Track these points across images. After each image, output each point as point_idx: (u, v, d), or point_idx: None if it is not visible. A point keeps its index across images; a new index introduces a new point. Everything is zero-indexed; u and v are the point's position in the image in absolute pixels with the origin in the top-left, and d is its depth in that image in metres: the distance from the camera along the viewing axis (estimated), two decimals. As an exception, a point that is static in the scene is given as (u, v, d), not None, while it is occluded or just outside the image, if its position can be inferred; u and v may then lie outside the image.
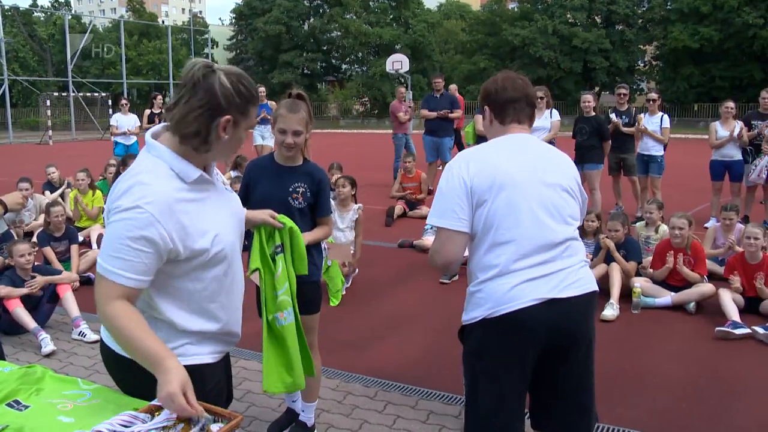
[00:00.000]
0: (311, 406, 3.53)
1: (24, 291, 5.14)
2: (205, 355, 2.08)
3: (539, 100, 9.07)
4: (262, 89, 12.23)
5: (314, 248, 3.34)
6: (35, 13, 46.67)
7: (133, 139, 12.36)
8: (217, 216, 2.02)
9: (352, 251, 6.45)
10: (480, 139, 9.58)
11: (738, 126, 8.76)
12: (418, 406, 3.94)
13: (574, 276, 2.34)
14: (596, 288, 2.43)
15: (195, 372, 1.91)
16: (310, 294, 3.32)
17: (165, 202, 1.86)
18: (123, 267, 1.83)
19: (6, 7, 38.12)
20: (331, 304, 5.80)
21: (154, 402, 1.87)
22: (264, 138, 12.20)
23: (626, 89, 9.68)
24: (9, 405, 1.95)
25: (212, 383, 2.10)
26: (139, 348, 1.82)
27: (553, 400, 2.42)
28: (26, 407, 1.94)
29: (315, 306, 3.40)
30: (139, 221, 1.83)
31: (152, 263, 1.86)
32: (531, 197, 2.32)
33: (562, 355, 2.36)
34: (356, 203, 6.68)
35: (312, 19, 42.89)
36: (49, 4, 47.86)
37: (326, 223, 3.41)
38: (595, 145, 8.95)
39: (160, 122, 10.16)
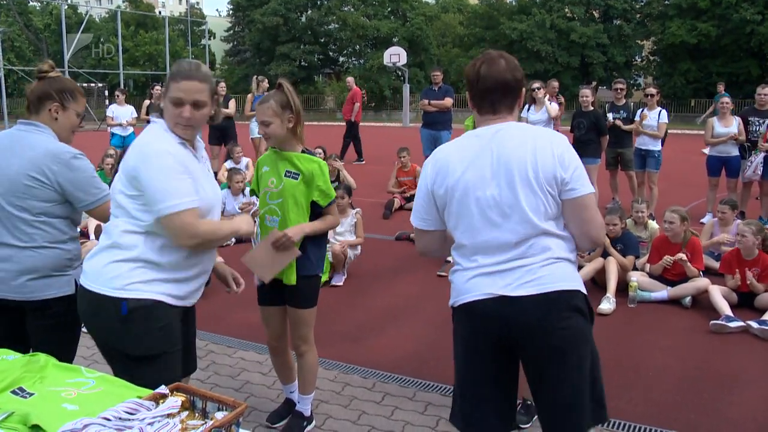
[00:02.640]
0: (307, 398, 3.55)
1: None
2: (155, 293, 2.41)
3: (535, 90, 9.11)
4: (265, 83, 12.22)
5: (310, 242, 3.31)
6: (31, 3, 46.43)
7: (130, 130, 12.30)
8: (202, 180, 2.50)
9: (355, 254, 6.55)
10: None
11: (736, 123, 8.79)
12: (416, 398, 3.96)
13: (530, 275, 2.27)
14: (565, 287, 2.27)
15: (143, 308, 2.37)
16: (305, 288, 3.33)
17: (178, 153, 2.42)
18: (178, 195, 2.34)
19: (2, -3, 37.95)
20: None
21: (159, 390, 1.90)
22: (260, 130, 12.17)
23: (623, 84, 9.70)
24: (14, 392, 1.97)
25: (164, 322, 2.43)
26: (225, 233, 2.54)
27: (534, 396, 2.41)
28: (31, 395, 1.96)
29: (310, 300, 3.38)
30: (176, 157, 2.38)
31: (191, 186, 2.41)
32: (483, 200, 2.30)
33: (527, 354, 2.34)
34: (353, 208, 6.73)
35: (310, 11, 42.70)
36: (45, -6, 47.65)
37: (330, 212, 3.35)
38: (593, 139, 8.98)
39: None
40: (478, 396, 2.39)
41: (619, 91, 9.52)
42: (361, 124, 16.34)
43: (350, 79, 16.73)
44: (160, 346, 2.42)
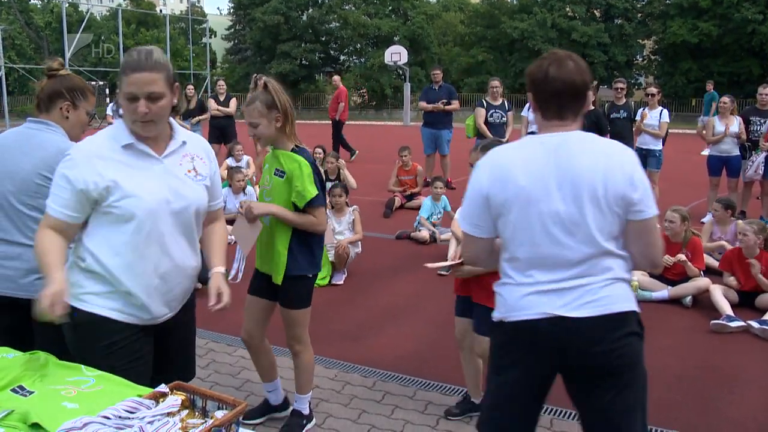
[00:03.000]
0: (304, 397, 3.53)
1: None
2: (104, 308, 2.32)
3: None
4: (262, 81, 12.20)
5: (295, 241, 3.26)
6: (32, 1, 46.40)
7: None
8: (143, 182, 2.32)
9: (356, 252, 6.56)
10: (480, 134, 9.60)
11: (737, 122, 8.78)
12: (416, 397, 3.96)
13: (591, 295, 2.15)
14: (625, 309, 2.19)
15: (89, 322, 2.31)
16: (293, 289, 3.31)
17: (88, 152, 2.30)
18: (52, 200, 2.30)
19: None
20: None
21: (159, 389, 1.89)
22: (262, 128, 12.20)
23: (623, 83, 9.68)
24: (14, 390, 1.97)
25: (107, 341, 2.31)
26: (41, 261, 2.22)
27: (583, 418, 2.30)
28: (31, 393, 1.96)
29: (301, 301, 3.36)
30: (64, 163, 2.30)
31: (71, 198, 2.26)
32: (546, 214, 2.15)
33: (578, 375, 2.23)
34: (349, 205, 6.74)
35: (311, 10, 42.65)
36: (46, -8, 47.62)
37: (312, 214, 3.24)
38: (593, 138, 8.96)
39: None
40: (515, 410, 2.31)
41: (619, 90, 9.51)
42: (361, 123, 16.36)
43: (336, 78, 16.67)
44: (105, 364, 2.21)
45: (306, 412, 3.56)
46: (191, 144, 2.50)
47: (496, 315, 2.31)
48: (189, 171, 2.44)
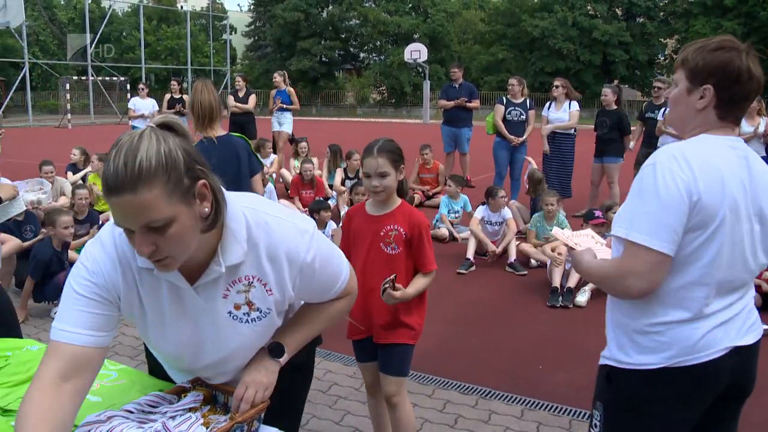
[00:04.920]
0: None
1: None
2: None
3: (555, 88, 9.04)
4: (276, 77, 12.25)
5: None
6: (56, -3, 46.94)
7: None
8: (167, 322, 1.70)
9: None
10: (498, 131, 9.54)
11: (764, 122, 8.67)
12: (434, 395, 3.95)
13: (750, 318, 1.98)
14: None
15: None
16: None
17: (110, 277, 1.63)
18: (63, 321, 1.63)
19: (27, -9, 38.31)
20: None
21: (181, 383, 1.90)
22: (281, 124, 12.23)
23: (662, 83, 9.41)
24: (38, 383, 1.98)
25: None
26: None
27: None
28: (54, 385, 1.97)
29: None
30: (95, 277, 1.63)
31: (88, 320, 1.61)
32: (746, 232, 1.88)
33: (726, 405, 2.02)
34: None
35: (331, 7, 42.71)
36: (69, -12, 48.09)
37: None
38: (615, 138, 8.91)
39: (183, 107, 10.27)
40: None
41: (657, 89, 9.30)
42: (380, 120, 16.35)
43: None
44: None
45: None
46: (253, 261, 1.65)
47: (653, 359, 1.89)
48: (237, 307, 1.69)
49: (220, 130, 3.99)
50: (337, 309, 1.91)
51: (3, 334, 2.51)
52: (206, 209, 1.50)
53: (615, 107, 9.04)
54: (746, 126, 8.79)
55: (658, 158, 1.84)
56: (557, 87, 9.05)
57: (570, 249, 2.21)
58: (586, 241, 2.30)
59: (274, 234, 1.65)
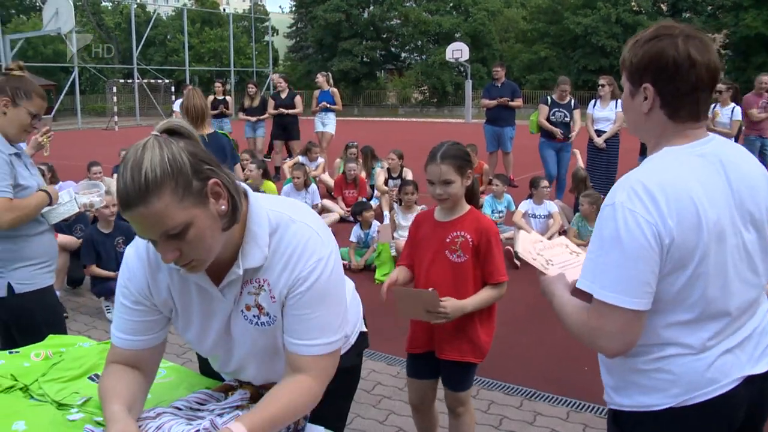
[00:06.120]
0: None
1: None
2: None
3: (600, 87, 8.91)
4: (320, 77, 12.30)
5: None
6: (103, 3, 48.05)
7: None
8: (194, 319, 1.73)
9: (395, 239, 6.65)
10: (543, 131, 9.43)
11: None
12: (479, 396, 3.92)
13: (764, 341, 1.72)
14: None
15: None
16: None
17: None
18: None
19: (76, -3, 39.33)
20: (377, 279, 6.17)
21: (228, 381, 1.91)
22: (325, 125, 12.25)
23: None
24: (90, 378, 2.03)
25: None
26: None
27: None
28: (106, 382, 2.01)
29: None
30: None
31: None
32: (735, 249, 1.63)
33: None
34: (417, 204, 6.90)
35: (372, 7, 42.83)
36: (116, -6, 49.22)
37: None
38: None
39: (226, 108, 10.43)
40: None
41: (601, 87, 9.14)
42: (422, 120, 16.30)
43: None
44: None
45: None
46: (268, 265, 1.62)
47: (656, 400, 1.66)
48: (248, 308, 1.67)
49: (209, 128, 4.80)
50: (300, 403, 1.63)
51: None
52: (223, 207, 1.50)
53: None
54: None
55: (617, 197, 1.58)
56: (603, 86, 8.92)
57: (540, 274, 1.91)
58: (560, 253, 2.02)
59: (292, 240, 1.61)
